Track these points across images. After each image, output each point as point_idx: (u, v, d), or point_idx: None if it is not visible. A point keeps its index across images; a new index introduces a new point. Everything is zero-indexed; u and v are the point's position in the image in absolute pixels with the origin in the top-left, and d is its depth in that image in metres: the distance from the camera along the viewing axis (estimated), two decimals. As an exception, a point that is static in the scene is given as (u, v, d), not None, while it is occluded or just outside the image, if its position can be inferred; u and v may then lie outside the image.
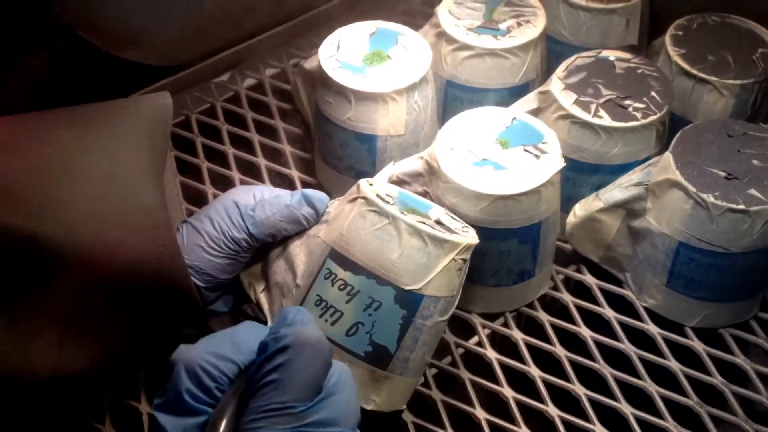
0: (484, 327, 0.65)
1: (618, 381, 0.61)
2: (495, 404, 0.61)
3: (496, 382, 0.62)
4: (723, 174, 0.60)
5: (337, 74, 0.65)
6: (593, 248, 0.67)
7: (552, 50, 0.74)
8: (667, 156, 0.61)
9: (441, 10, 0.71)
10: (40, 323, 0.53)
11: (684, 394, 0.61)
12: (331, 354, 0.46)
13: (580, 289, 0.67)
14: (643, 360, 0.62)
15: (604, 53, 0.69)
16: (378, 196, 0.55)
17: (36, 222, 0.51)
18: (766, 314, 0.65)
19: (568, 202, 0.66)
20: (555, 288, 0.67)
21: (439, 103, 0.72)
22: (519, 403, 0.60)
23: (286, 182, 0.76)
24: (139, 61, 0.77)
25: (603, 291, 0.67)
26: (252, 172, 0.75)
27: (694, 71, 0.67)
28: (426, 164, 0.61)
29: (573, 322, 0.65)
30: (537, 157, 0.60)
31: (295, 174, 0.75)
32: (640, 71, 0.67)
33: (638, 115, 0.64)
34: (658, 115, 0.64)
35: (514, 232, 0.60)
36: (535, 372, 0.62)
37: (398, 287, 0.53)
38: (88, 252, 0.52)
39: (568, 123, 0.64)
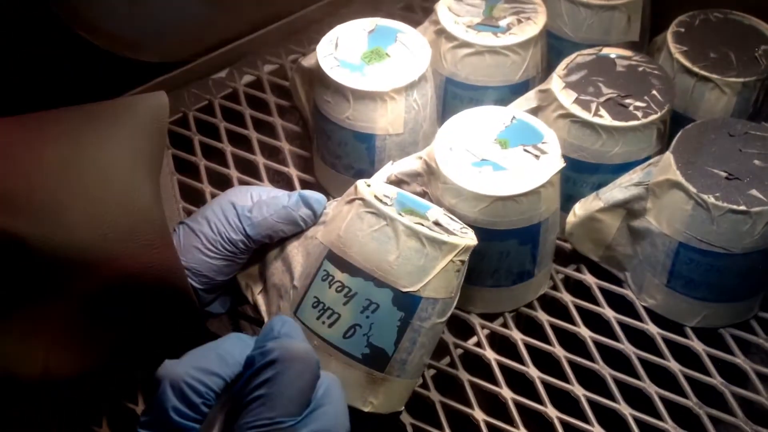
0: (483, 327, 0.64)
1: (617, 381, 0.61)
2: (494, 405, 0.61)
3: (495, 382, 0.61)
4: (724, 174, 0.59)
5: (335, 73, 0.65)
6: (593, 248, 0.66)
7: (552, 46, 0.73)
8: (668, 156, 0.60)
9: (440, 7, 0.71)
10: (35, 326, 0.53)
11: (683, 394, 0.61)
12: (318, 366, 0.46)
13: (579, 289, 0.67)
14: (642, 360, 0.62)
15: (605, 51, 0.68)
16: (376, 197, 0.54)
17: (32, 225, 0.50)
18: (766, 314, 0.65)
19: (568, 202, 0.66)
20: (554, 287, 0.67)
21: (439, 100, 0.71)
22: (518, 404, 0.60)
23: (284, 180, 0.75)
24: (136, 59, 0.76)
25: (603, 290, 0.66)
26: (250, 171, 0.75)
27: (696, 69, 0.67)
28: (425, 164, 0.61)
29: (572, 322, 0.65)
30: (537, 157, 0.60)
31: (293, 172, 0.74)
32: (641, 69, 0.66)
33: (639, 114, 0.63)
34: (659, 114, 0.63)
35: (514, 233, 0.59)
36: (534, 373, 0.62)
37: (396, 289, 0.53)
38: (84, 255, 0.52)
39: (568, 122, 0.64)
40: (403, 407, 0.57)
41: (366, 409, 0.54)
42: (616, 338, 0.63)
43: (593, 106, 0.64)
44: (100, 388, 0.58)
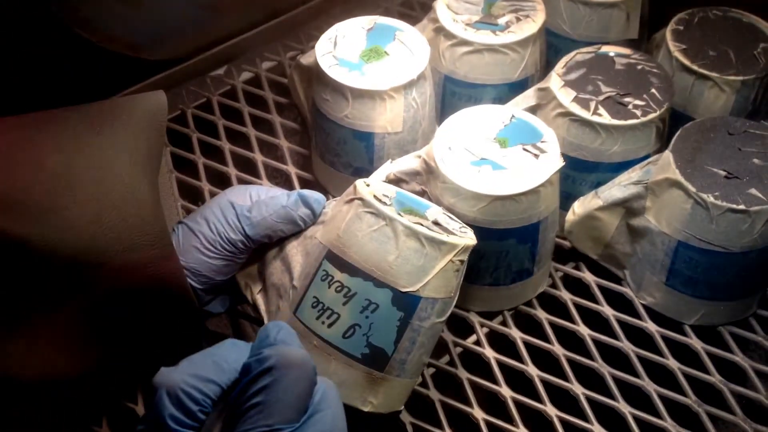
0: (482, 326, 0.64)
1: (616, 380, 0.61)
2: (493, 404, 0.61)
3: (495, 381, 0.61)
4: (723, 173, 0.59)
5: (334, 71, 0.65)
6: (592, 246, 0.67)
7: (551, 44, 0.73)
8: (667, 155, 0.60)
9: (439, 5, 0.71)
10: (36, 327, 0.53)
11: (682, 392, 0.61)
12: (315, 372, 0.46)
13: (578, 287, 0.67)
14: (641, 358, 0.62)
15: (604, 49, 0.68)
16: (375, 197, 0.54)
17: (31, 226, 0.50)
18: (765, 312, 0.65)
19: (567, 200, 0.66)
20: (554, 285, 0.67)
21: (438, 98, 0.71)
22: (517, 403, 0.60)
23: (282, 178, 0.75)
24: (136, 56, 0.76)
25: (602, 288, 0.67)
26: (248, 168, 0.75)
27: (695, 67, 0.67)
28: (424, 163, 0.61)
29: (571, 320, 0.65)
30: (536, 156, 0.60)
31: (291, 170, 0.74)
32: (640, 67, 0.66)
33: (638, 112, 0.63)
34: (658, 112, 0.63)
35: (513, 232, 0.59)
36: (533, 371, 0.62)
37: (395, 289, 0.53)
38: (83, 255, 0.52)
39: (567, 120, 0.64)
40: (403, 406, 0.57)
41: (366, 409, 0.54)
42: (615, 336, 0.64)
43: (592, 105, 0.64)
44: (101, 388, 0.58)
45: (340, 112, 0.65)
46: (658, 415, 0.60)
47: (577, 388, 0.61)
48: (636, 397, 0.61)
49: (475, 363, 0.63)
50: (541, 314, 0.65)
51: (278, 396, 0.44)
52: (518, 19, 0.70)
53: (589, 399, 0.60)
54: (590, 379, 0.62)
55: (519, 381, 0.62)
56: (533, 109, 0.66)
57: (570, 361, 0.62)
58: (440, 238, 0.53)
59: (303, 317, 0.54)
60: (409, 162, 0.62)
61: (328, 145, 0.69)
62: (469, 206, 0.58)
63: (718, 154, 0.60)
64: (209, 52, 0.81)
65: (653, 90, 0.65)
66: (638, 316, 0.65)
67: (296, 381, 0.44)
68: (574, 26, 0.72)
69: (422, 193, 0.61)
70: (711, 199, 0.58)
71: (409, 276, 0.53)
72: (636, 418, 0.59)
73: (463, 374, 0.62)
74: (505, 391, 0.61)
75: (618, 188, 0.63)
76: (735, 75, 0.66)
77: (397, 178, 0.62)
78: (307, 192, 0.58)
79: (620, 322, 0.64)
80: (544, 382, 0.61)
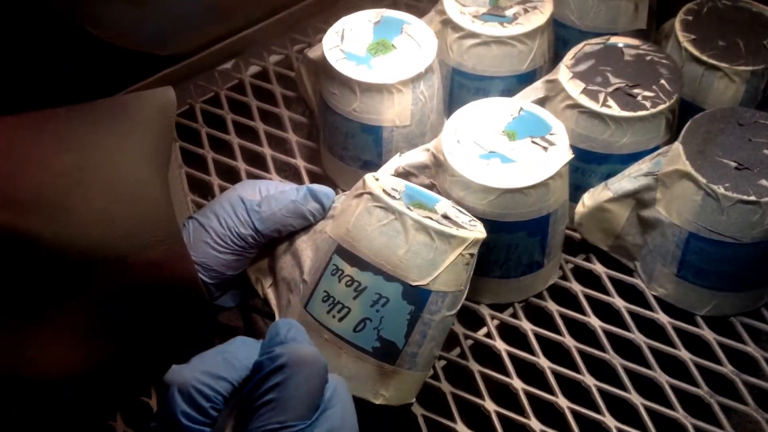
0: (492, 318, 0.64)
1: (628, 371, 0.61)
2: (505, 396, 0.61)
3: (506, 373, 0.61)
4: (733, 164, 0.59)
5: (341, 65, 0.64)
6: (602, 237, 0.66)
7: (559, 35, 0.73)
8: (677, 146, 0.60)
9: (446, -3, 0.70)
10: (48, 323, 0.53)
11: (694, 383, 0.61)
12: (326, 370, 0.46)
13: (589, 279, 0.67)
14: (653, 350, 0.62)
15: (613, 40, 0.68)
16: (384, 191, 0.54)
17: (41, 223, 0.51)
18: (777, 302, 0.65)
19: (576, 192, 0.65)
20: (564, 277, 0.66)
21: (446, 91, 0.71)
22: (528, 395, 0.60)
23: (291, 171, 0.75)
24: (142, 51, 0.76)
25: (612, 280, 0.66)
26: (257, 163, 0.75)
27: (704, 57, 0.66)
28: (432, 156, 0.61)
29: (582, 312, 0.65)
30: (545, 148, 0.59)
31: (300, 164, 0.74)
32: (649, 58, 0.66)
33: (647, 104, 0.63)
34: (667, 103, 0.63)
35: (522, 225, 0.59)
36: (544, 363, 0.62)
37: (405, 283, 0.53)
38: (94, 252, 0.52)
39: (576, 112, 0.63)
40: (415, 399, 0.57)
41: (377, 402, 0.55)
42: (626, 328, 0.63)
43: (601, 97, 0.63)
44: (113, 384, 0.58)
45: (347, 105, 0.65)
46: (670, 406, 0.59)
47: (589, 380, 0.61)
48: (648, 388, 0.61)
49: (486, 355, 0.63)
50: (552, 306, 0.65)
51: (290, 393, 0.44)
52: (526, 11, 0.69)
53: (600, 390, 0.60)
54: (602, 370, 0.61)
55: (530, 373, 0.62)
56: (542, 102, 0.66)
57: (581, 352, 0.62)
58: (450, 232, 0.53)
59: (313, 311, 0.55)
60: (418, 155, 0.62)
61: (337, 139, 0.69)
62: (478, 199, 0.58)
63: (729, 145, 0.60)
64: (216, 46, 0.81)
65: (662, 81, 0.64)
66: (649, 308, 0.65)
67: (308, 378, 0.45)
68: (582, 17, 0.72)
69: (431, 187, 0.61)
70: (721, 190, 0.58)
71: (419, 270, 0.53)
72: (648, 409, 0.59)
73: (475, 366, 0.62)
74: (517, 383, 0.61)
75: (628, 180, 0.63)
76: (745, 65, 0.66)
77: (405, 172, 0.62)
78: (316, 186, 0.58)
79: (631, 313, 0.64)
80: (556, 374, 0.61)
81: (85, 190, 0.52)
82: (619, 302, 0.65)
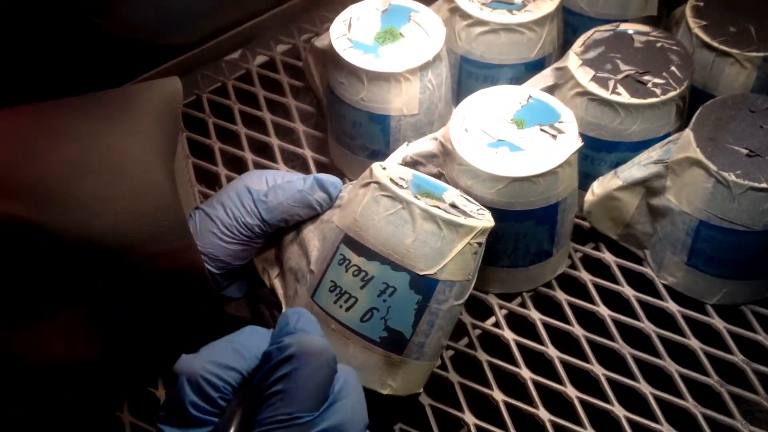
0: (501, 308, 0.64)
1: (637, 360, 0.61)
2: (513, 385, 0.61)
3: (514, 363, 0.61)
4: (745, 151, 0.58)
5: (348, 54, 0.64)
6: (612, 226, 0.66)
7: (568, 22, 0.72)
8: (688, 133, 0.60)
9: (454, -16, 0.70)
10: (54, 313, 0.53)
11: (704, 372, 0.60)
12: (336, 361, 0.46)
13: (598, 267, 0.67)
14: (662, 339, 0.62)
15: (623, 27, 0.67)
16: (391, 180, 0.54)
17: (48, 214, 0.51)
18: (788, 291, 0.64)
19: (585, 180, 0.65)
20: (573, 266, 0.66)
21: (454, 79, 0.71)
22: (537, 384, 0.60)
23: (299, 162, 0.75)
24: (149, 41, 0.76)
25: (622, 269, 0.66)
26: (264, 153, 0.74)
27: (715, 44, 0.65)
28: (440, 145, 0.60)
29: (591, 301, 0.64)
30: (554, 137, 0.59)
31: (308, 153, 0.74)
32: (659, 45, 0.65)
33: (658, 91, 0.62)
34: (678, 90, 0.62)
35: (531, 214, 0.59)
36: (552, 352, 0.62)
37: (413, 273, 0.53)
38: (100, 242, 0.52)
39: (586, 100, 0.63)
40: (422, 389, 0.57)
41: (385, 392, 0.54)
42: (635, 317, 0.63)
43: (611, 84, 0.63)
44: (120, 375, 0.59)
45: (355, 95, 0.65)
46: (680, 396, 0.59)
47: (598, 369, 0.61)
48: (657, 377, 0.60)
49: (495, 345, 0.63)
50: (561, 295, 0.64)
51: (298, 384, 0.44)
52: (535, -2, 0.69)
53: (609, 380, 0.60)
54: (611, 360, 0.61)
55: (539, 363, 0.61)
56: (551, 89, 0.65)
57: (590, 342, 0.62)
58: (457, 221, 0.53)
59: (320, 301, 0.54)
60: (426, 144, 0.61)
61: (344, 128, 0.68)
62: (486, 188, 0.58)
63: (740, 132, 0.60)
64: (223, 36, 0.81)
65: (673, 68, 0.64)
66: (659, 296, 0.64)
67: (316, 370, 0.44)
68: (592, 4, 0.71)
69: (439, 176, 0.61)
70: (732, 177, 0.57)
71: (427, 259, 0.53)
72: (657, 399, 0.59)
73: (483, 356, 0.62)
74: (525, 373, 0.61)
75: (638, 168, 0.62)
76: (756, 51, 0.65)
77: (413, 161, 0.62)
78: (323, 176, 0.58)
79: (641, 302, 0.64)
80: (564, 364, 0.61)
81: (90, 180, 0.52)
82: (628, 291, 0.65)
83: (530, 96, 0.62)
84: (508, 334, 0.63)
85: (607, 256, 0.67)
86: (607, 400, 0.59)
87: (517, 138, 0.59)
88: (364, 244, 0.53)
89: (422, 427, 0.59)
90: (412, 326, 0.53)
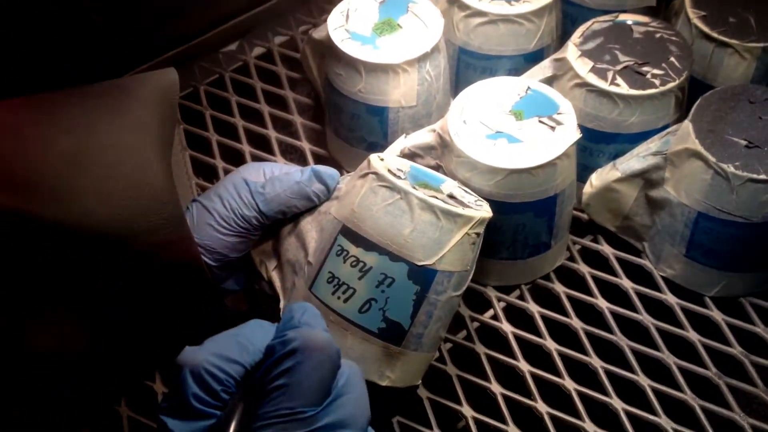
0: (499, 300, 0.64)
1: (635, 353, 0.61)
2: (511, 378, 0.60)
3: (512, 355, 0.61)
4: (744, 143, 0.58)
5: (346, 45, 0.64)
6: (610, 218, 0.66)
7: (567, 13, 0.72)
8: (686, 125, 0.59)
9: (452, -24, 0.69)
10: (49, 308, 0.53)
11: (702, 365, 0.60)
12: (339, 356, 0.46)
13: (596, 260, 0.66)
14: (661, 331, 0.62)
15: (622, 17, 0.67)
16: (389, 171, 0.54)
17: (45, 206, 0.50)
18: (787, 283, 0.64)
19: (584, 172, 0.65)
20: (571, 259, 0.66)
21: (452, 70, 0.70)
22: (535, 377, 0.60)
23: (296, 154, 0.75)
24: (145, 32, 0.76)
25: (620, 261, 0.66)
26: (262, 145, 0.74)
27: (715, 34, 0.65)
28: (438, 137, 0.60)
29: (589, 293, 0.64)
30: (552, 128, 0.59)
31: (305, 146, 0.74)
32: (658, 35, 0.65)
33: (657, 82, 0.62)
34: (677, 81, 0.62)
35: (529, 206, 0.59)
36: (551, 345, 0.61)
37: (411, 263, 0.52)
38: (97, 235, 0.51)
39: (584, 91, 0.63)
40: (420, 381, 0.57)
41: (383, 384, 0.54)
42: (634, 309, 0.63)
43: (610, 75, 0.63)
44: (118, 369, 0.58)
45: (353, 86, 0.65)
46: (678, 388, 0.59)
47: (596, 362, 0.60)
48: (656, 369, 0.60)
49: (493, 337, 0.62)
50: (559, 288, 0.64)
51: (301, 379, 0.43)
52: (533, -11, 0.68)
53: (608, 372, 0.60)
54: (609, 352, 0.61)
55: (537, 355, 0.61)
56: (549, 81, 0.65)
57: (588, 334, 0.62)
58: (455, 211, 0.53)
59: (318, 293, 0.54)
60: (424, 136, 0.61)
61: (342, 120, 0.68)
62: (484, 180, 0.58)
63: (739, 123, 0.59)
64: (221, 27, 0.81)
65: (672, 58, 0.63)
66: (658, 289, 0.64)
67: (319, 364, 0.44)
68: (590, -6, 0.71)
69: (437, 168, 0.61)
70: (731, 169, 0.57)
71: (425, 249, 0.52)
72: (655, 391, 0.59)
73: (481, 349, 0.61)
74: (523, 366, 0.61)
75: (636, 159, 0.62)
76: (756, 42, 0.65)
77: (411, 153, 0.61)
78: (320, 167, 0.58)
79: (639, 294, 0.64)
80: (563, 356, 0.61)
81: (87, 172, 0.52)
82: (626, 283, 0.64)
83: (529, 87, 0.61)
84: (507, 327, 0.63)
85: (606, 248, 0.67)
86: (605, 392, 0.59)
87: (515, 129, 0.59)
88: (362, 235, 0.53)
89: (420, 420, 0.59)
90: (411, 317, 0.53)
